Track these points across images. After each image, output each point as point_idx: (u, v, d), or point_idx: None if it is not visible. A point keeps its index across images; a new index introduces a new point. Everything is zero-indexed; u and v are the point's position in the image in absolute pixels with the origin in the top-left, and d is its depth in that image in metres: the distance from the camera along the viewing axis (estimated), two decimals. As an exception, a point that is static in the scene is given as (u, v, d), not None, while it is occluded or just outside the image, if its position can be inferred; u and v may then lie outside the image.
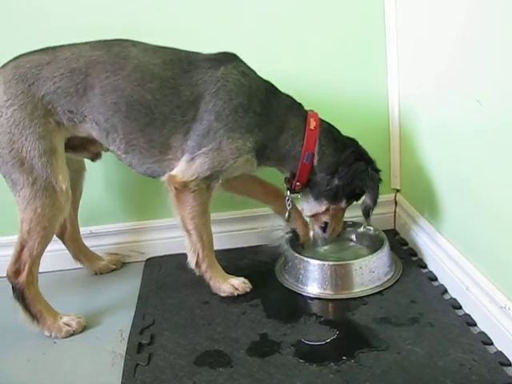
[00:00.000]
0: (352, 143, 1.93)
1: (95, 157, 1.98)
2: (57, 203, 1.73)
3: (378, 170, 1.93)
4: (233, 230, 2.31)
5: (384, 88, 2.23)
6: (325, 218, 2.01)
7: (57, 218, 1.75)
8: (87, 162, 2.04)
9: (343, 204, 1.96)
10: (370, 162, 1.92)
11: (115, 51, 1.76)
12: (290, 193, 1.98)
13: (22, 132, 1.68)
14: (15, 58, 1.75)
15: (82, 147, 1.89)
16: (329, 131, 1.91)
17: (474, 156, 1.64)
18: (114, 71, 1.73)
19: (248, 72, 1.82)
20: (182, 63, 1.79)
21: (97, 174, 2.20)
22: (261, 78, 1.86)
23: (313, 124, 1.86)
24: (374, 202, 1.89)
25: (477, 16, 1.52)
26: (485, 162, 1.58)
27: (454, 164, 1.78)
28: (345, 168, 1.87)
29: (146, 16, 2.08)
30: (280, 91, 1.89)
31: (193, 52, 1.84)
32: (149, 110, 1.75)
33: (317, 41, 2.17)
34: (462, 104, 1.66)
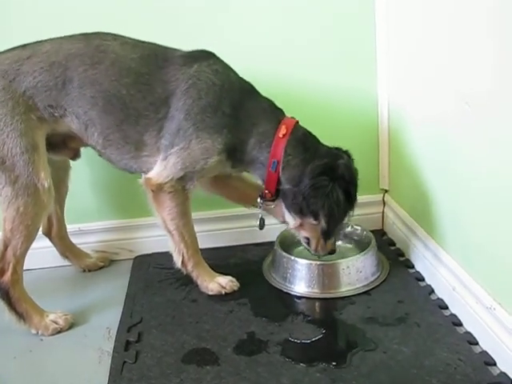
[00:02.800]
0: (329, 154, 1.79)
1: (75, 155, 1.96)
2: (39, 201, 1.70)
3: (348, 192, 1.76)
4: (221, 228, 2.31)
5: (373, 89, 2.24)
6: (304, 233, 1.89)
7: (40, 217, 1.74)
8: (74, 159, 2.03)
9: (312, 220, 1.80)
10: (338, 178, 1.74)
11: (95, 44, 1.74)
12: (263, 201, 1.89)
13: (4, 129, 1.66)
14: None
15: (63, 144, 1.86)
16: (300, 140, 1.78)
17: (462, 158, 1.64)
18: (92, 64, 1.72)
19: (223, 71, 1.78)
20: (158, 59, 1.77)
21: (85, 172, 2.19)
22: (239, 77, 1.82)
23: (282, 131, 1.75)
24: (329, 225, 1.76)
25: (466, 19, 1.52)
26: (473, 164, 1.59)
27: (443, 165, 1.79)
28: (306, 181, 1.74)
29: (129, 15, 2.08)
30: (259, 94, 1.83)
31: (171, 48, 1.82)
32: (124, 106, 1.74)
33: (305, 42, 2.17)
34: (450, 106, 1.67)
